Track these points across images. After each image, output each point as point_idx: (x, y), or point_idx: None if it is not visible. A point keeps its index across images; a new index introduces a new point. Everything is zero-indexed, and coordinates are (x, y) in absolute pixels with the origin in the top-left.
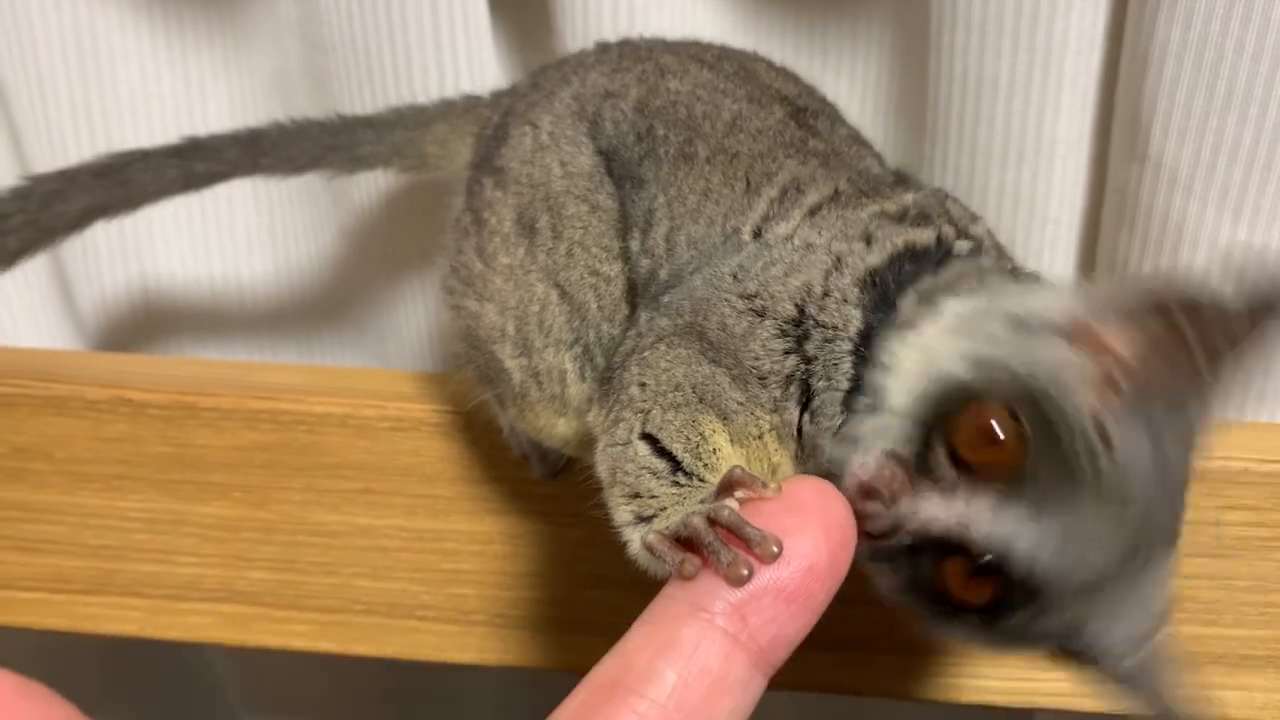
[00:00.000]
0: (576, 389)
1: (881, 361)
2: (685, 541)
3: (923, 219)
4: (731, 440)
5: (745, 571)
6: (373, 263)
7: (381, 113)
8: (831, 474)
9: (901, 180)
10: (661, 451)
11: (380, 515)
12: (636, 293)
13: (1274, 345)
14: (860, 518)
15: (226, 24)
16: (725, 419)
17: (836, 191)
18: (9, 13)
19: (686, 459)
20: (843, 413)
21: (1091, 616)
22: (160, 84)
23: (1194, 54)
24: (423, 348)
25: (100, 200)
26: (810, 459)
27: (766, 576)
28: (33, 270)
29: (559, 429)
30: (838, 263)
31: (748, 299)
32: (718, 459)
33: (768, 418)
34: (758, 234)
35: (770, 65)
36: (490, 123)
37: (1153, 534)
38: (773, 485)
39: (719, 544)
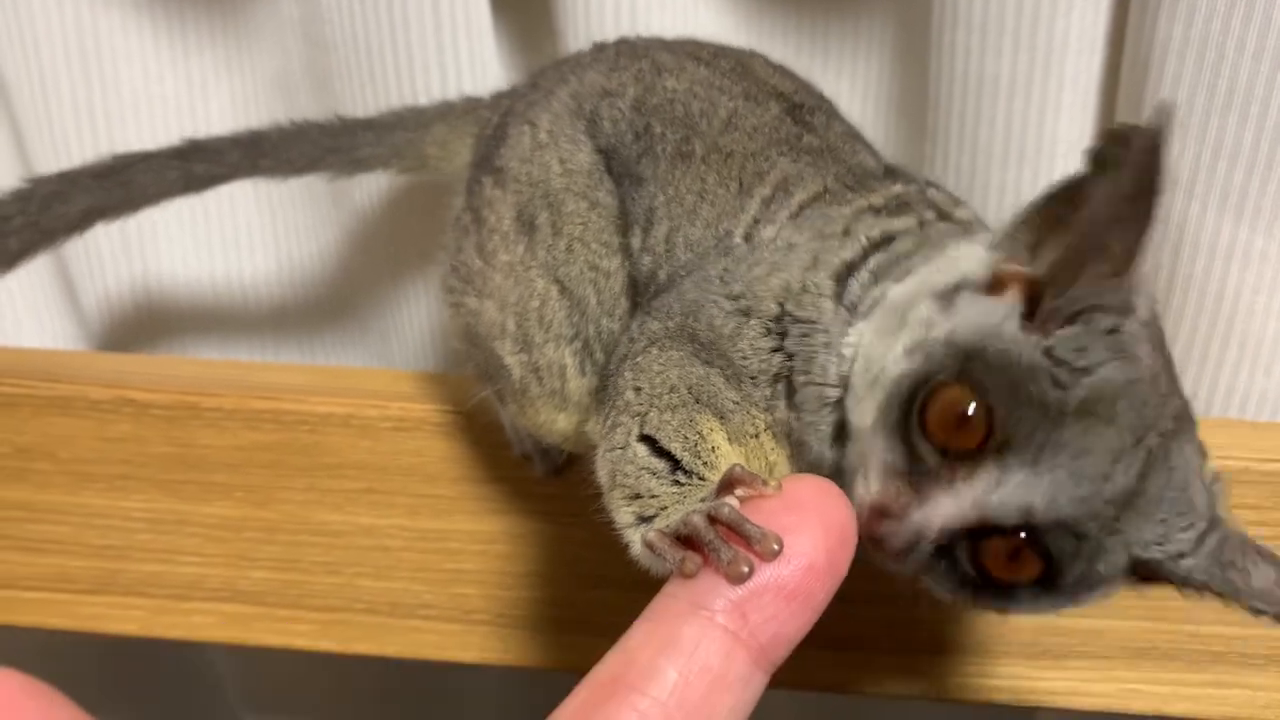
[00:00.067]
0: (576, 384)
1: (843, 353)
2: (686, 539)
3: (902, 208)
4: (729, 439)
5: (746, 569)
6: (375, 262)
7: (381, 115)
8: (821, 470)
9: (891, 173)
10: (660, 452)
11: (383, 515)
12: (637, 289)
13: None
14: (881, 539)
15: (229, 24)
16: (722, 418)
17: (824, 189)
18: (12, 13)
19: (686, 458)
20: (822, 407)
21: (1140, 531)
22: (163, 84)
23: (1195, 53)
24: (425, 347)
25: (101, 202)
26: (801, 456)
27: (767, 574)
28: (35, 271)
29: (559, 424)
30: (814, 259)
31: (734, 299)
32: (717, 457)
33: (762, 416)
34: (748, 238)
35: (766, 62)
36: (490, 123)
37: (1156, 419)
38: (773, 483)
39: (719, 542)
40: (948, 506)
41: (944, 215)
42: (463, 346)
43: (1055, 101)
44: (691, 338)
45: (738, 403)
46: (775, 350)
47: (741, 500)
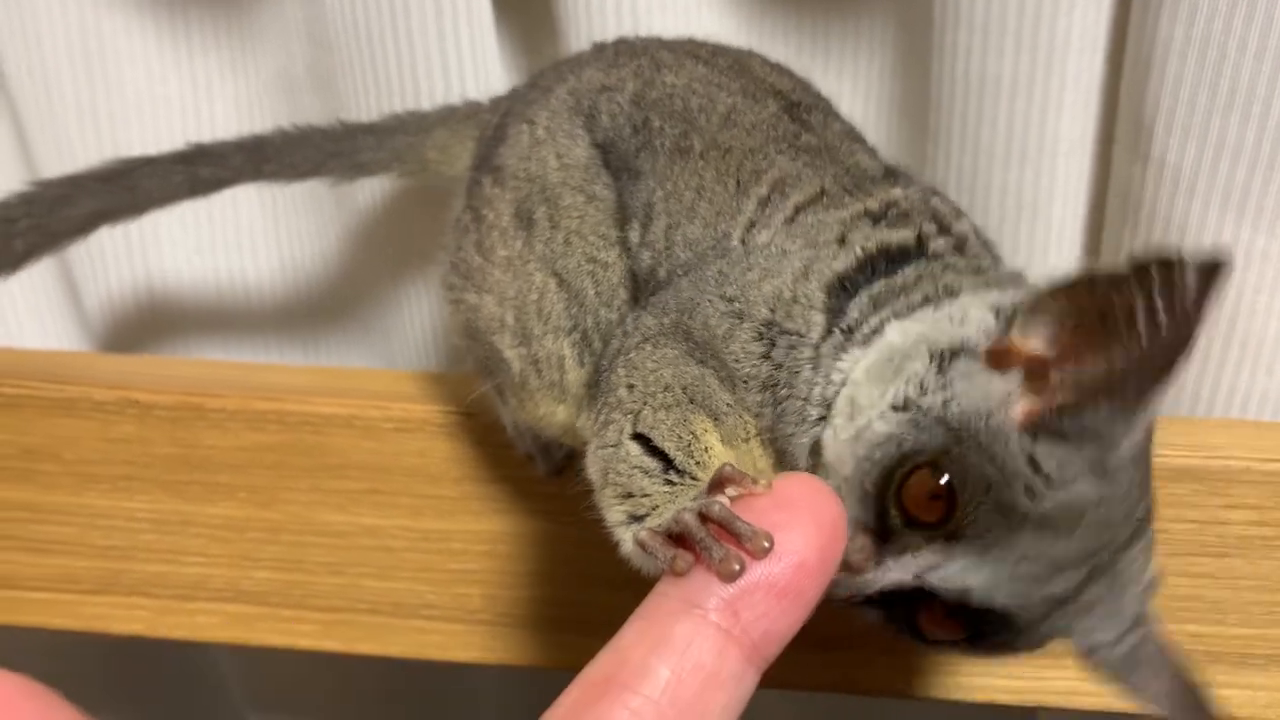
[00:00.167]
0: (575, 375)
1: (831, 378)
2: (677, 538)
3: (902, 218)
4: (722, 441)
5: (737, 566)
6: (378, 263)
7: (382, 119)
8: None
9: (890, 175)
10: (653, 450)
11: (386, 515)
12: (637, 283)
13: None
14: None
15: (233, 25)
16: (716, 420)
17: (821, 191)
18: (16, 15)
19: (679, 457)
20: (801, 423)
21: (1066, 626)
22: (167, 85)
23: (1197, 53)
24: (428, 348)
25: (106, 205)
26: (784, 465)
27: (758, 572)
28: (39, 272)
29: (558, 416)
30: (806, 269)
31: (728, 301)
32: (710, 457)
33: (753, 422)
34: (744, 241)
35: (764, 60)
36: (490, 125)
37: (1114, 537)
38: (763, 482)
39: (711, 540)
40: (897, 571)
41: (944, 228)
42: (463, 342)
43: (1057, 101)
44: (686, 336)
45: (731, 405)
46: (764, 357)
47: (732, 499)
